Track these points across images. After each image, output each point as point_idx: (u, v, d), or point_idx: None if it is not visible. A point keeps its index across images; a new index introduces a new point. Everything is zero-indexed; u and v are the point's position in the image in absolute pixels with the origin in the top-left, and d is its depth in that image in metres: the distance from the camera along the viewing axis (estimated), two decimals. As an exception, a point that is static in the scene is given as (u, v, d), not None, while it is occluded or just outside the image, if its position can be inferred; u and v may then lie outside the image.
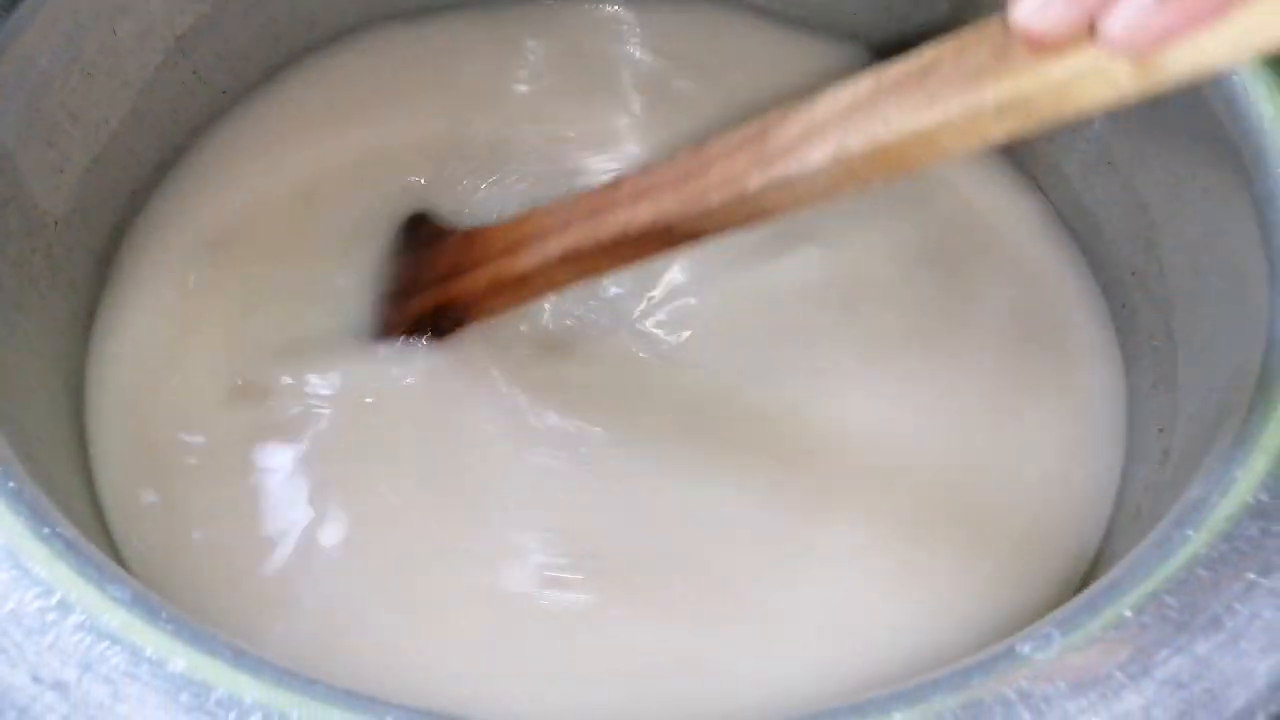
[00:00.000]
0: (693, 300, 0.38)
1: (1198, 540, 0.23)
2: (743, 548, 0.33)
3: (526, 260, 0.31)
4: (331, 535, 0.32)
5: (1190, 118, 0.34)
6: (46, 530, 0.22)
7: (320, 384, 0.35)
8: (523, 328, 0.37)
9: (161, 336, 0.36)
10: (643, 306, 0.38)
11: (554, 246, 0.30)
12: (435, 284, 0.35)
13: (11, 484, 0.23)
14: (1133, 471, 0.34)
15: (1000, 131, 0.22)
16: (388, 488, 0.33)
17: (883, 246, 0.39)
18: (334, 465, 0.34)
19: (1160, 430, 0.33)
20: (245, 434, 0.34)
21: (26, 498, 0.23)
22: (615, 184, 0.29)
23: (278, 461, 0.34)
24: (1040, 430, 0.36)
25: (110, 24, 0.36)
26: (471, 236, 0.35)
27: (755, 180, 0.25)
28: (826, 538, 0.33)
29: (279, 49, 0.43)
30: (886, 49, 0.44)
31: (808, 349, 0.37)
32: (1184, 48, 0.19)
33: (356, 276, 0.38)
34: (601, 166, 0.42)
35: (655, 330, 0.37)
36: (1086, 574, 0.34)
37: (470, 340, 0.36)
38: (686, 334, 0.37)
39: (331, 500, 0.33)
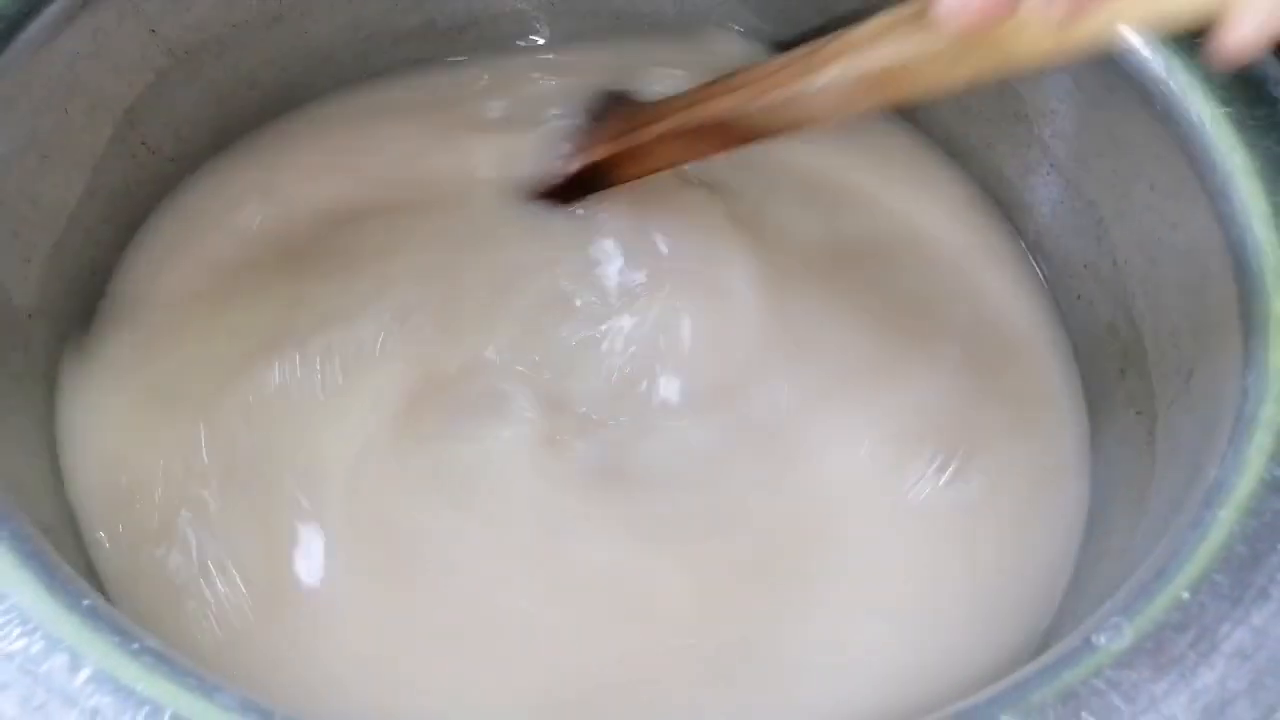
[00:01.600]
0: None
1: (1227, 519, 0.25)
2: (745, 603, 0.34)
3: (645, 135, 0.38)
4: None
5: (1130, 122, 0.37)
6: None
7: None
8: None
9: (132, 414, 0.35)
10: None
11: (661, 128, 0.37)
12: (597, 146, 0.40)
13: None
14: (1114, 455, 0.36)
15: (963, 74, 0.29)
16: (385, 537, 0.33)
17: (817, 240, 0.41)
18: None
19: (1139, 413, 0.36)
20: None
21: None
22: (708, 84, 0.37)
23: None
24: (1009, 452, 0.37)
25: (63, 104, 0.35)
26: (633, 108, 0.41)
27: (785, 93, 0.33)
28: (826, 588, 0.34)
29: (225, 115, 0.42)
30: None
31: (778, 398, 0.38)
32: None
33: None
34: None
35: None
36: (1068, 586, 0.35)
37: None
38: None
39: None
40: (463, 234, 0.40)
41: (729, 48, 0.45)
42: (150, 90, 0.39)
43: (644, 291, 0.39)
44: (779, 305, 0.39)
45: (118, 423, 0.35)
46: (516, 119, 0.44)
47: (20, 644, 0.21)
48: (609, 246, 0.40)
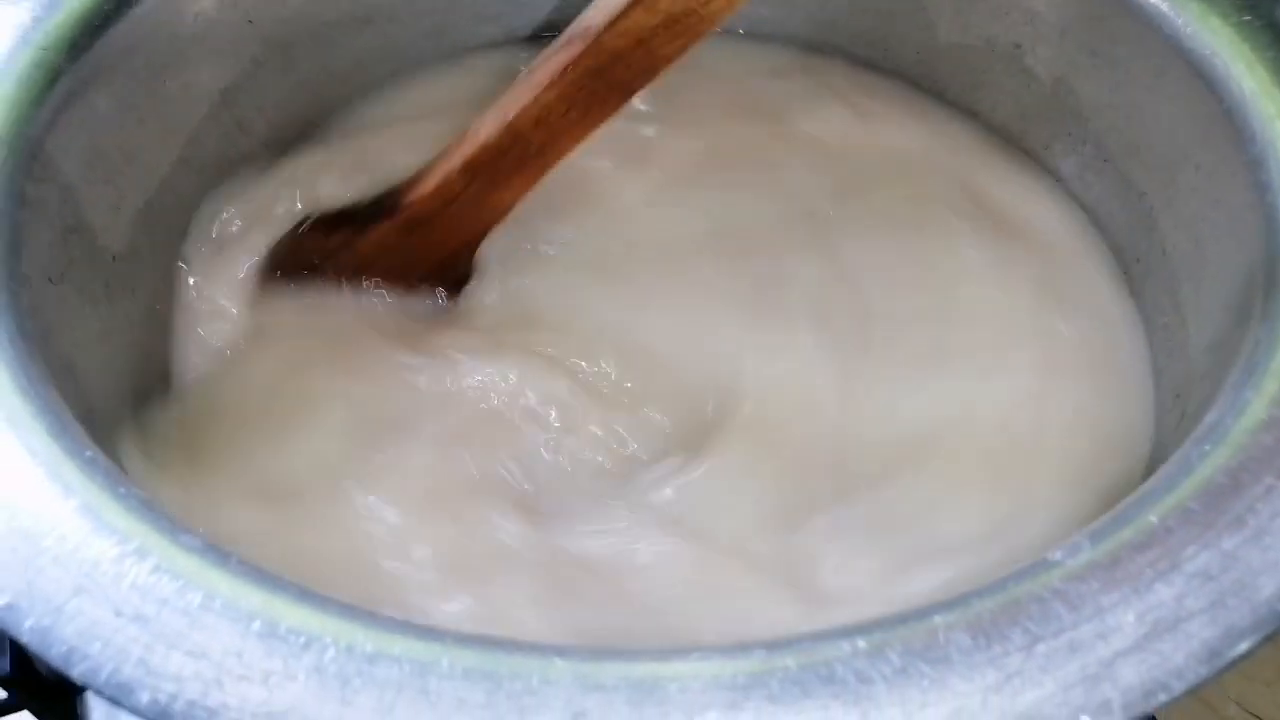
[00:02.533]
0: None
1: (1216, 454, 0.24)
2: None
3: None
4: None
5: (1178, 103, 0.36)
6: (122, 490, 0.24)
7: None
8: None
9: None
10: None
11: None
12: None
13: (88, 453, 0.25)
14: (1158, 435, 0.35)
15: None
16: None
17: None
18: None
19: (1177, 396, 0.34)
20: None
21: (101, 464, 0.25)
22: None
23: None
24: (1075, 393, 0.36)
25: (162, 76, 0.39)
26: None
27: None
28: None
29: (314, 105, 0.46)
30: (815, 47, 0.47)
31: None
32: None
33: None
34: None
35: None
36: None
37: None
38: None
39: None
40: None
41: None
42: (245, 75, 0.43)
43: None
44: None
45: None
46: None
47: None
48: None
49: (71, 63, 0.35)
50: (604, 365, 0.37)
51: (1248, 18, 0.34)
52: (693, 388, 0.37)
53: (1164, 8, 0.36)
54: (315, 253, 0.40)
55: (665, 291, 0.40)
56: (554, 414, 0.36)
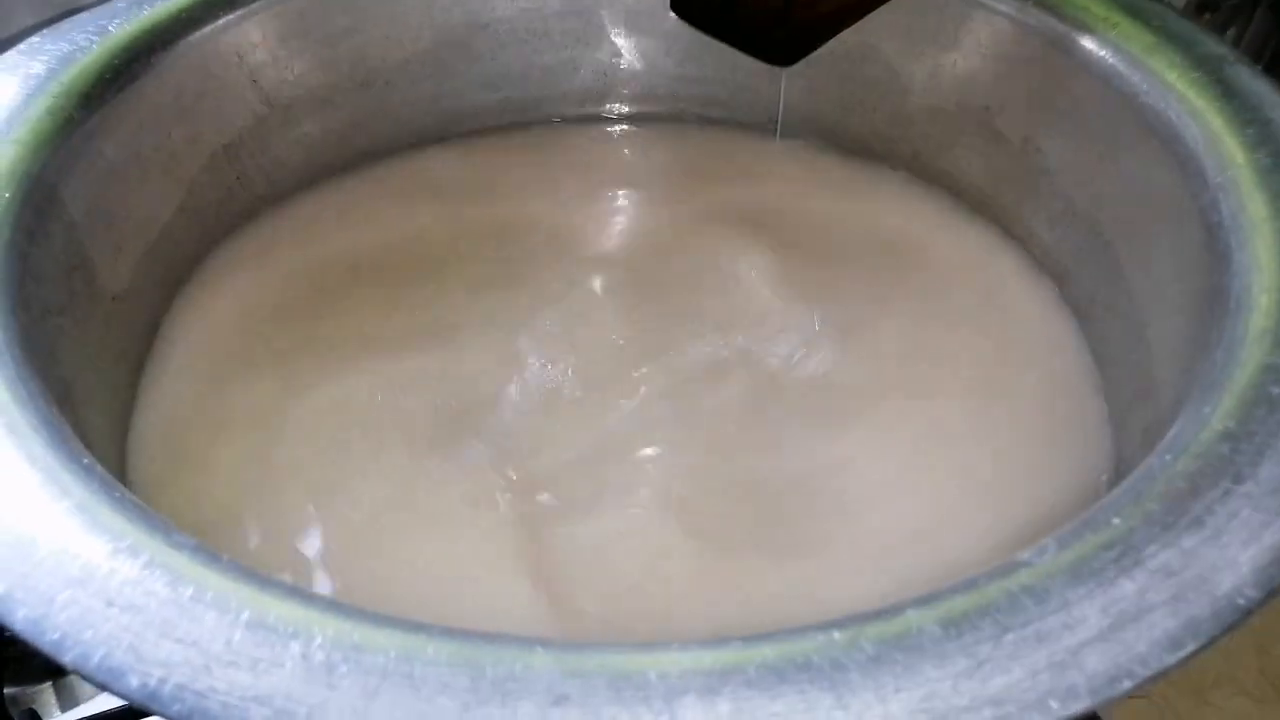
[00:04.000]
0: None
1: (1177, 464, 0.25)
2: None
3: None
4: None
5: (1137, 155, 0.38)
6: (116, 494, 0.24)
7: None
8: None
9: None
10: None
11: None
12: None
13: (84, 460, 0.25)
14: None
15: None
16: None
17: (867, 295, 0.42)
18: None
19: (1145, 431, 0.35)
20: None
21: (96, 471, 0.25)
22: None
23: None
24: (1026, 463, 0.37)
25: (168, 129, 0.41)
26: None
27: None
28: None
29: (313, 163, 0.48)
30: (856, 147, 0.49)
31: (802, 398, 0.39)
32: None
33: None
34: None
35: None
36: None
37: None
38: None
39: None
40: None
41: None
42: (248, 132, 0.45)
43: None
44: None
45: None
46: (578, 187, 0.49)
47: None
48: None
49: (82, 112, 0.37)
50: None
51: (1197, 74, 0.36)
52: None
53: (1121, 68, 0.39)
54: None
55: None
56: None
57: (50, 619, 0.22)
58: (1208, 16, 0.68)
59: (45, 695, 0.42)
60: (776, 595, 0.32)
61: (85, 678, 0.21)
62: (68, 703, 0.42)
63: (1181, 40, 0.38)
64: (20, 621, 0.22)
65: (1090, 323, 0.41)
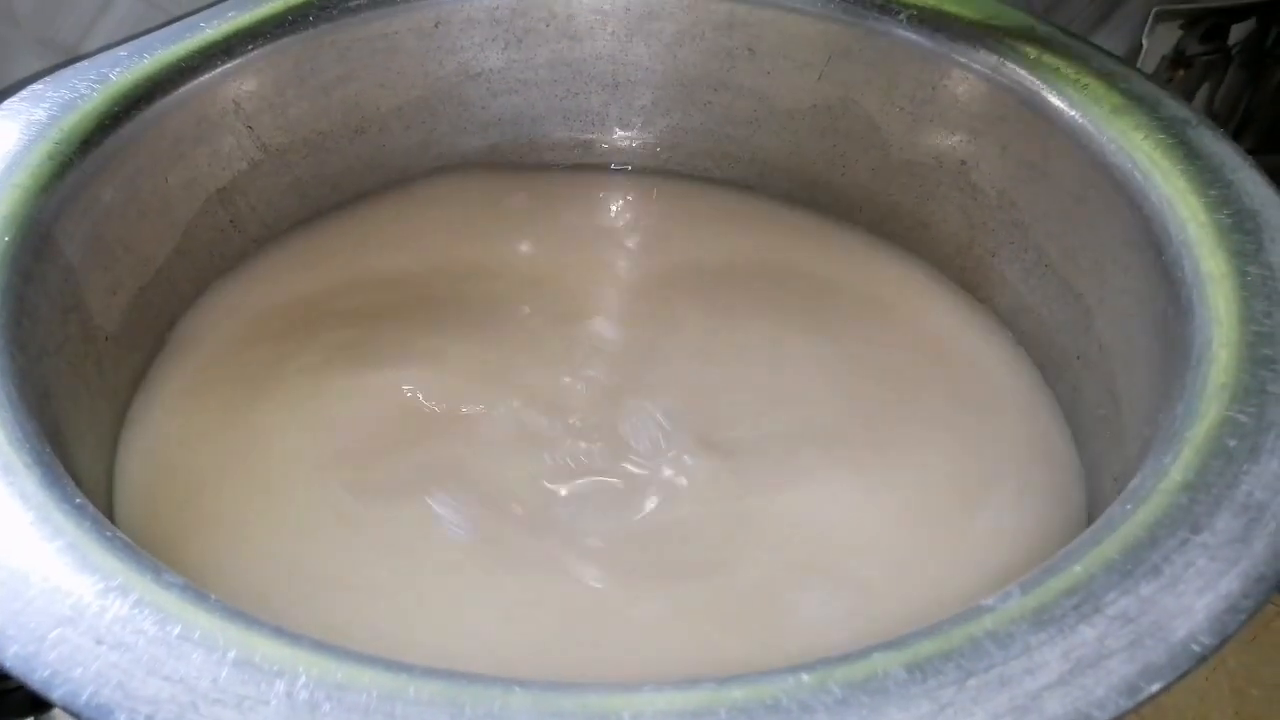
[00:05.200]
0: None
1: (1137, 513, 0.26)
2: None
3: None
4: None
5: (1105, 211, 0.39)
6: (109, 534, 0.25)
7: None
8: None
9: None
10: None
11: None
12: None
13: (77, 500, 0.26)
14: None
15: None
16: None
17: (833, 358, 0.43)
18: None
19: (1115, 479, 0.36)
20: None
21: (89, 511, 0.26)
22: None
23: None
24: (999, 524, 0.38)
25: (164, 173, 0.42)
26: None
27: None
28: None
29: (306, 207, 0.49)
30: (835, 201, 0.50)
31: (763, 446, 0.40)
32: None
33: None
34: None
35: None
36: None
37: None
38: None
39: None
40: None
41: None
42: (242, 176, 0.46)
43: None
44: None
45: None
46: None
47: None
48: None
49: (81, 157, 0.38)
50: None
51: (1161, 135, 0.38)
52: None
53: (1089, 127, 0.40)
54: None
55: None
56: None
57: (40, 656, 0.22)
58: (1181, 73, 0.71)
59: (27, 732, 0.42)
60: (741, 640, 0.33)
61: (74, 714, 0.21)
62: (49, 739, 0.42)
63: (1147, 102, 0.39)
64: (11, 658, 0.22)
65: (1063, 372, 0.42)
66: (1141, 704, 0.22)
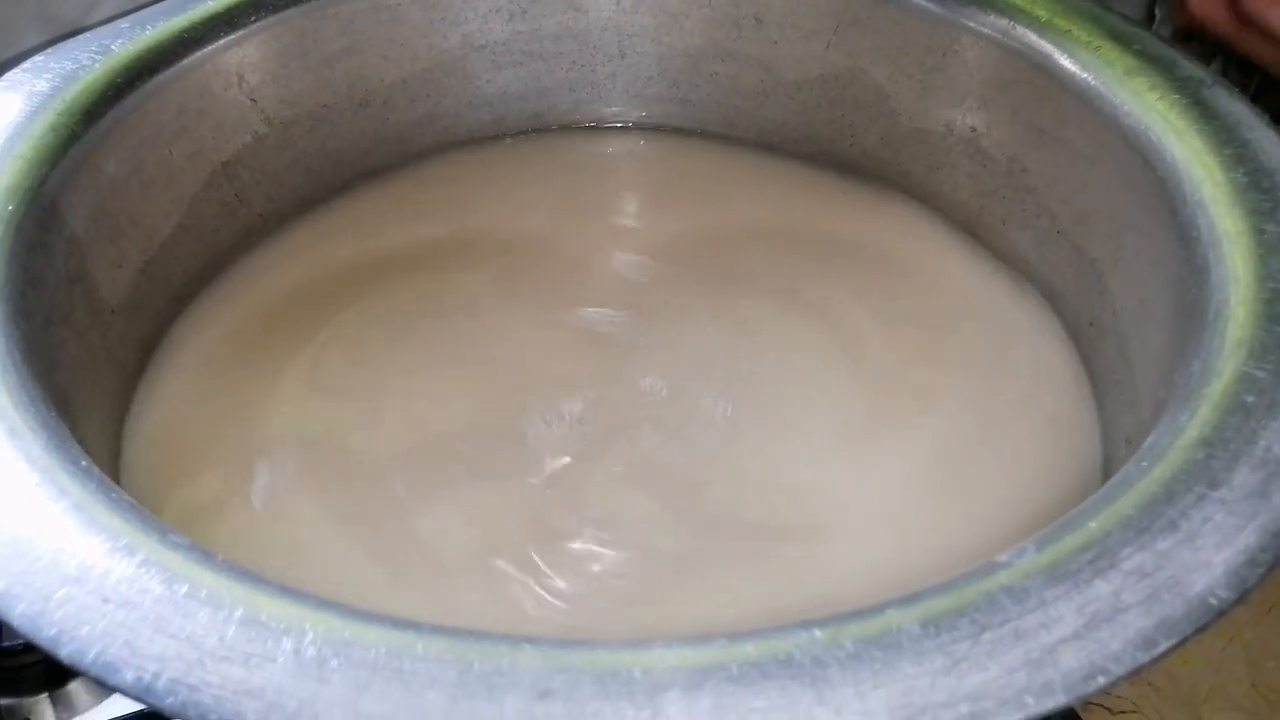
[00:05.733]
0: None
1: (1153, 470, 0.26)
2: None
3: None
4: None
5: (1119, 173, 0.39)
6: (114, 495, 0.25)
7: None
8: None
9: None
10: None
11: None
12: None
13: (83, 462, 0.26)
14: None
15: None
16: None
17: (862, 313, 0.43)
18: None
19: (1128, 442, 0.36)
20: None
21: (94, 473, 0.26)
22: None
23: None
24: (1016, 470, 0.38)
25: (167, 145, 0.42)
26: None
27: None
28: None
29: (311, 182, 0.49)
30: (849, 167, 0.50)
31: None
32: None
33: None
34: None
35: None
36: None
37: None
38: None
39: None
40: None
41: None
42: (246, 150, 0.45)
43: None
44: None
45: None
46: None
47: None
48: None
49: (85, 128, 0.38)
50: None
51: (1176, 96, 0.37)
52: None
53: (1102, 89, 0.39)
54: None
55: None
56: None
57: (47, 615, 0.22)
58: (1194, 43, 0.70)
59: (41, 706, 0.42)
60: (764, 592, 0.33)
61: (81, 672, 0.21)
62: (64, 714, 0.42)
63: (1162, 63, 0.39)
64: (18, 617, 0.22)
65: (1078, 338, 0.42)
66: (1158, 658, 0.22)
